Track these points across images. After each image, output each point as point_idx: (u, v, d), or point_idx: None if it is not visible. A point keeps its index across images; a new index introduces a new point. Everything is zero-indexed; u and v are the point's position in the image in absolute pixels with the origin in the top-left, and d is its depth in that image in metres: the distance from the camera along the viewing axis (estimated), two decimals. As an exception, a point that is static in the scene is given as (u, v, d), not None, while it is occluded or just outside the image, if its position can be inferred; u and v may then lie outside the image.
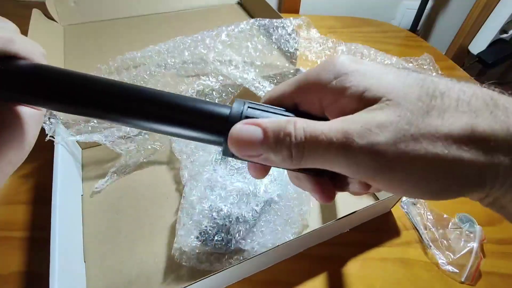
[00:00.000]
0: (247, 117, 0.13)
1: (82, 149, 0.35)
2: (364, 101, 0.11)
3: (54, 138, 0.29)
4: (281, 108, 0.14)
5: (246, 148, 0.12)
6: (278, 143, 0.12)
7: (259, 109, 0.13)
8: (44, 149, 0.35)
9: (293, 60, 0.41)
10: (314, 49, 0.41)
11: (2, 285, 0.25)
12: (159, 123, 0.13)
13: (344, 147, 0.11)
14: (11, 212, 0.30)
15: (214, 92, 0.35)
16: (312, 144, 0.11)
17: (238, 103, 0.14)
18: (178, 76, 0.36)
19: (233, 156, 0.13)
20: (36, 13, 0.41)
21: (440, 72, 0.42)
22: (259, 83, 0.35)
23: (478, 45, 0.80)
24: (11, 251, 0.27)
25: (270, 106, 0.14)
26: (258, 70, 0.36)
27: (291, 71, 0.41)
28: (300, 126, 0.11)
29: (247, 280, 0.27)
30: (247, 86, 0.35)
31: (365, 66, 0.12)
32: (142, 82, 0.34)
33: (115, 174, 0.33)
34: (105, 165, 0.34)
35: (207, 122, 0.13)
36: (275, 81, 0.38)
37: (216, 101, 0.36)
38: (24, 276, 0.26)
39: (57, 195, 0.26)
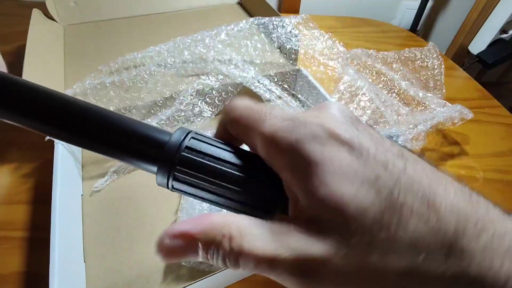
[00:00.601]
0: (187, 148, 0.12)
1: (82, 148, 0.35)
2: (312, 206, 0.10)
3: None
4: (227, 147, 0.12)
5: (174, 258, 0.11)
6: (210, 254, 0.11)
7: (204, 142, 0.12)
8: (44, 149, 0.35)
9: (294, 59, 0.41)
10: (316, 47, 0.41)
11: (2, 285, 0.25)
12: (91, 141, 0.12)
13: (273, 269, 0.10)
14: (11, 212, 0.30)
15: (214, 91, 0.36)
16: (244, 259, 0.10)
17: (181, 131, 0.12)
18: (178, 76, 0.36)
19: (168, 187, 0.13)
20: (36, 13, 0.41)
21: (443, 65, 0.42)
22: (258, 82, 0.35)
23: (478, 45, 0.80)
24: (11, 251, 0.27)
25: (217, 140, 0.13)
26: (257, 69, 0.36)
27: (292, 70, 0.41)
28: (235, 235, 0.10)
29: (247, 280, 0.27)
30: (247, 85, 0.35)
31: (342, 156, 0.10)
32: (142, 82, 0.34)
33: (115, 174, 0.33)
34: (105, 164, 0.34)
35: (141, 146, 0.12)
36: (275, 79, 0.38)
37: (216, 100, 0.36)
38: (24, 276, 0.26)
39: (57, 194, 0.26)
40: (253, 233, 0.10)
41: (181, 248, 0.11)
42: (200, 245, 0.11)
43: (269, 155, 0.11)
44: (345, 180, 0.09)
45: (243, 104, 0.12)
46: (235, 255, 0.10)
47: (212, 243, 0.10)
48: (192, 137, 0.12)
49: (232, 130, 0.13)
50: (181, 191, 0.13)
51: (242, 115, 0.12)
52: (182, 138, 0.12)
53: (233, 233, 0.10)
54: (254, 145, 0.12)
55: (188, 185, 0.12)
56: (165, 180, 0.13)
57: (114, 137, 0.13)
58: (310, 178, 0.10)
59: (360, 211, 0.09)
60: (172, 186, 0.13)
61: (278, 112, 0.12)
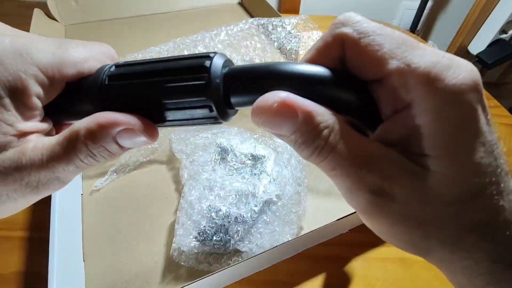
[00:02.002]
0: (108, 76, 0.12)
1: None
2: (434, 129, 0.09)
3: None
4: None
5: (272, 126, 0.11)
6: (304, 136, 0.10)
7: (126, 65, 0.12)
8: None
9: (294, 59, 0.41)
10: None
11: (2, 284, 0.25)
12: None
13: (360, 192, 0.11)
14: (11, 212, 0.30)
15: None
16: (338, 159, 0.10)
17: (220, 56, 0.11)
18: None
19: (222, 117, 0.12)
20: (37, 13, 0.42)
21: None
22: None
23: (477, 45, 0.80)
24: (11, 250, 0.27)
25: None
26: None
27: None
28: (336, 131, 0.10)
29: (246, 280, 0.27)
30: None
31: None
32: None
33: (115, 173, 0.33)
34: (105, 164, 0.34)
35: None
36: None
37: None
38: (24, 276, 0.26)
39: (57, 194, 0.26)
40: (359, 139, 0.10)
41: (283, 116, 0.10)
42: (301, 119, 0.10)
43: (417, 90, 0.09)
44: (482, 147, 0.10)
45: (373, 24, 0.11)
46: (330, 148, 0.10)
47: (312, 129, 0.10)
48: (115, 66, 0.12)
49: (350, 49, 0.11)
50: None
51: (375, 33, 0.10)
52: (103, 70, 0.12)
53: (335, 127, 0.10)
54: (380, 74, 0.10)
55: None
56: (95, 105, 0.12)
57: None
58: (465, 144, 0.09)
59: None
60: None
61: (422, 44, 0.10)
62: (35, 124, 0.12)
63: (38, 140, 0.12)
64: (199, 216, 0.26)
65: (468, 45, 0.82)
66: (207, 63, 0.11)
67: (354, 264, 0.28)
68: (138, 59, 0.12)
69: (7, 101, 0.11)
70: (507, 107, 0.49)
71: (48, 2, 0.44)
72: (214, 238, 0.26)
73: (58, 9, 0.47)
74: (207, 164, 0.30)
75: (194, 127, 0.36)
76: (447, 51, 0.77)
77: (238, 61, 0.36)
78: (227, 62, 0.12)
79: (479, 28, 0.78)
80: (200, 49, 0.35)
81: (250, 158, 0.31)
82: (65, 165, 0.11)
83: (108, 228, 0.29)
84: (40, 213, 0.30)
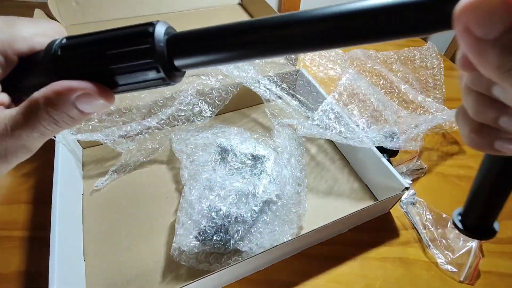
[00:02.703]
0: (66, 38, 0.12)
1: (83, 148, 0.35)
2: None
3: (54, 137, 0.29)
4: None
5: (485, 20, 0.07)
6: None
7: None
8: (44, 148, 0.35)
9: (294, 59, 0.41)
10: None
11: (3, 284, 0.25)
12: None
13: None
14: (11, 212, 0.30)
15: (214, 91, 0.36)
16: None
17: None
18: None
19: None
20: (38, 13, 0.42)
21: (442, 64, 0.42)
22: (258, 81, 0.35)
23: (477, 45, 0.79)
24: (12, 250, 0.27)
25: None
26: (258, 69, 0.36)
27: (292, 70, 0.41)
28: None
29: (245, 280, 0.27)
30: (246, 84, 0.35)
31: None
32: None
33: (115, 173, 0.33)
34: (105, 164, 0.34)
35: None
36: (275, 80, 0.38)
37: (216, 100, 0.36)
38: (25, 275, 0.26)
39: (58, 194, 0.26)
40: None
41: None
42: None
43: None
44: None
45: None
46: None
47: None
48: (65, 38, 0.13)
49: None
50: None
51: None
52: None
53: None
54: None
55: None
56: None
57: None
58: None
59: None
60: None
61: None
62: None
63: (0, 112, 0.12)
64: (199, 216, 0.26)
65: (467, 46, 0.82)
66: (151, 29, 0.12)
67: (354, 264, 0.29)
68: (89, 32, 0.13)
69: None
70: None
71: (48, 2, 0.44)
72: (214, 237, 0.26)
73: (58, 9, 0.47)
74: (207, 164, 0.30)
75: (193, 127, 0.36)
76: (446, 51, 0.77)
77: (238, 61, 0.36)
78: (169, 29, 0.13)
79: (479, 29, 0.78)
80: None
81: (250, 158, 0.31)
82: (29, 132, 0.12)
83: (108, 228, 0.29)
84: (41, 213, 0.30)
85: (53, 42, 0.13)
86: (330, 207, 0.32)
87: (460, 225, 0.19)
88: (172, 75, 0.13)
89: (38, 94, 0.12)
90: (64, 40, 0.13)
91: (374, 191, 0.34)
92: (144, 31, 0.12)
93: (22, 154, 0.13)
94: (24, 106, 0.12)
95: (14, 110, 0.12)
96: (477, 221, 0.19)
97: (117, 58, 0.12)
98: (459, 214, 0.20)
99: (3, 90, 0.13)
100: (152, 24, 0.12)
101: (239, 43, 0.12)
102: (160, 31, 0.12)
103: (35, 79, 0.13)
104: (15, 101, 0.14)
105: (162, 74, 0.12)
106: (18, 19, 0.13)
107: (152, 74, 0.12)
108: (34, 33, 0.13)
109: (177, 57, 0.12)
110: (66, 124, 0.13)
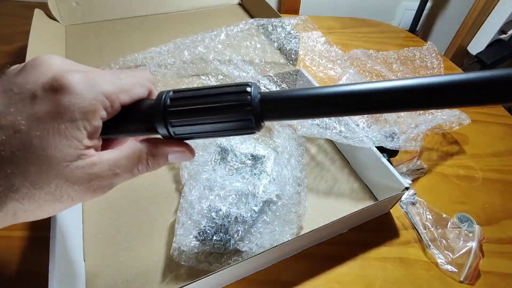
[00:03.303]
0: (171, 99, 0.15)
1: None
2: None
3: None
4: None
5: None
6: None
7: (182, 91, 0.16)
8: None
9: (294, 60, 0.41)
10: (316, 48, 0.41)
11: (3, 284, 0.25)
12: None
13: None
14: (11, 211, 0.30)
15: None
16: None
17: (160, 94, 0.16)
18: (178, 76, 0.36)
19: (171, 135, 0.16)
20: (38, 13, 0.42)
21: (442, 64, 0.42)
22: (258, 81, 0.35)
23: (477, 45, 0.80)
24: (11, 250, 0.27)
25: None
26: (258, 69, 0.36)
27: (292, 70, 0.41)
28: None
29: (246, 280, 0.27)
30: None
31: None
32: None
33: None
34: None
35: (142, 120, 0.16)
36: (275, 79, 0.38)
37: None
38: (24, 276, 0.26)
39: (57, 194, 0.26)
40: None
41: None
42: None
43: None
44: None
45: None
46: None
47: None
48: (173, 91, 0.15)
49: None
50: (183, 134, 0.16)
51: None
52: (163, 97, 0.15)
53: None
54: None
55: (184, 125, 0.15)
56: (166, 131, 0.15)
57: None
58: None
59: None
60: (174, 133, 0.15)
61: None
62: (96, 140, 0.15)
63: (100, 153, 0.15)
64: (199, 216, 0.26)
65: (467, 46, 0.83)
66: (249, 89, 0.15)
67: (354, 264, 0.28)
68: (190, 87, 0.16)
69: (80, 123, 0.13)
70: (506, 107, 0.49)
71: (48, 2, 0.44)
72: (214, 237, 0.26)
73: (58, 9, 0.47)
74: (207, 164, 0.30)
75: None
76: (446, 51, 0.78)
77: (238, 61, 0.36)
78: (258, 88, 0.16)
79: (479, 29, 0.79)
80: (201, 50, 0.35)
81: (250, 158, 0.31)
82: (127, 174, 0.15)
83: (108, 228, 0.29)
84: (40, 213, 0.30)
85: (161, 94, 0.15)
86: (330, 207, 0.32)
87: None
88: (259, 126, 0.15)
89: (143, 144, 0.16)
90: (171, 93, 0.15)
91: (374, 191, 0.34)
92: (243, 90, 0.14)
93: (106, 189, 0.15)
94: (128, 152, 0.15)
95: (116, 154, 0.15)
96: None
97: (219, 110, 0.15)
98: None
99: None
100: (248, 85, 0.15)
101: (319, 111, 0.15)
102: (255, 90, 0.15)
103: (137, 125, 0.16)
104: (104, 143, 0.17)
105: (253, 125, 0.15)
106: (122, 72, 0.16)
107: (244, 124, 0.15)
108: (133, 84, 0.15)
109: (267, 113, 0.15)
110: (152, 169, 0.16)
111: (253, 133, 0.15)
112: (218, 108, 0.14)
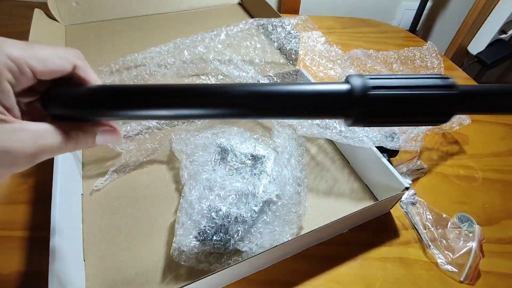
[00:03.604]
0: (373, 87, 0.14)
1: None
2: None
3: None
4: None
5: None
6: None
7: (381, 78, 0.15)
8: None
9: (294, 59, 0.41)
10: (316, 48, 0.41)
11: (2, 284, 0.25)
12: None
13: None
14: (11, 212, 0.30)
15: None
16: None
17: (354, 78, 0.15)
18: (178, 76, 0.36)
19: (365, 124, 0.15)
20: (38, 13, 0.42)
21: (442, 64, 0.42)
22: (258, 81, 0.35)
23: (477, 45, 0.80)
24: (11, 250, 0.27)
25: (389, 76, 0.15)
26: (258, 69, 0.36)
27: (292, 70, 0.41)
28: None
29: (246, 280, 0.27)
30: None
31: None
32: (142, 82, 0.35)
33: (115, 173, 0.33)
34: (105, 164, 0.34)
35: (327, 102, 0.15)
36: (275, 79, 0.38)
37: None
38: (24, 276, 0.26)
39: (57, 194, 0.26)
40: None
41: None
42: None
43: None
44: None
45: None
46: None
47: None
48: (370, 78, 0.14)
49: None
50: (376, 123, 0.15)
51: None
52: (361, 83, 0.14)
53: None
54: None
55: (381, 117, 0.14)
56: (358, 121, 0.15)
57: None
58: None
59: None
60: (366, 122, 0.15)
61: None
62: (12, 106, 0.14)
63: (24, 122, 0.14)
64: (199, 216, 0.26)
65: (467, 45, 0.83)
66: (449, 82, 0.15)
67: (354, 264, 0.28)
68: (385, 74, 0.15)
69: None
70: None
71: (48, 2, 0.44)
72: (214, 238, 0.26)
73: (58, 9, 0.47)
74: (207, 164, 0.30)
75: (193, 127, 0.36)
76: (446, 51, 0.78)
77: (238, 61, 0.36)
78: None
79: (479, 28, 0.79)
80: (201, 50, 0.35)
81: (250, 158, 0.31)
82: (53, 148, 0.15)
83: (108, 228, 0.29)
84: (40, 213, 0.30)
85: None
86: (330, 207, 0.32)
87: None
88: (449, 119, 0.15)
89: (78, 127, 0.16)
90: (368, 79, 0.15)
91: (374, 191, 0.34)
92: (446, 84, 0.14)
93: (26, 165, 0.14)
94: (56, 125, 0.15)
95: (42, 125, 0.14)
96: None
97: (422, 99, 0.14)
98: None
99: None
100: (448, 78, 0.14)
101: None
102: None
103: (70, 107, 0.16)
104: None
105: (446, 117, 0.15)
106: (38, 44, 0.15)
107: (437, 118, 0.15)
108: (49, 55, 0.15)
109: (463, 110, 0.15)
110: (80, 147, 0.16)
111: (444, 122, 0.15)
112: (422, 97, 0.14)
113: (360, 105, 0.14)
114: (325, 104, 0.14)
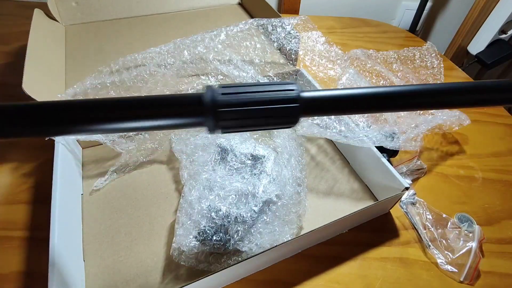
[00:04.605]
0: (222, 94, 0.15)
1: (82, 148, 0.35)
2: None
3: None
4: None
5: None
6: None
7: (231, 87, 0.16)
8: (44, 148, 0.35)
9: (294, 59, 0.41)
10: (315, 48, 0.41)
11: (2, 284, 0.25)
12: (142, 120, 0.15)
13: None
14: (11, 212, 0.30)
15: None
16: None
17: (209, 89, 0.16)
18: (178, 76, 0.36)
19: (222, 131, 0.16)
20: (37, 13, 0.42)
21: (442, 64, 0.42)
22: (258, 81, 0.35)
23: (477, 45, 0.80)
24: (11, 250, 0.27)
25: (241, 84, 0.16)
26: (257, 69, 0.36)
27: (291, 70, 0.41)
28: None
29: (246, 280, 0.27)
30: (246, 86, 0.35)
31: None
32: (142, 82, 0.35)
33: (115, 173, 0.33)
34: (105, 164, 0.34)
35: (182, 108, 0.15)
36: (275, 79, 0.38)
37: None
38: (24, 276, 0.26)
39: (57, 194, 0.26)
40: None
41: None
42: None
43: None
44: None
45: None
46: None
47: None
48: (222, 86, 0.15)
49: None
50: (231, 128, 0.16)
51: None
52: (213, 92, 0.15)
53: None
54: None
55: (235, 120, 0.15)
56: (214, 127, 0.15)
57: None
58: None
59: None
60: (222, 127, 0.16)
61: None
62: None
63: None
64: (199, 216, 0.26)
65: (467, 46, 0.82)
66: (292, 87, 0.16)
67: (354, 264, 0.28)
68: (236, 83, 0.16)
69: None
70: (506, 107, 0.49)
71: (48, 2, 0.44)
72: (214, 238, 0.26)
73: (58, 9, 0.47)
74: (207, 164, 0.30)
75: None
76: (446, 51, 0.78)
77: (238, 61, 0.36)
78: (300, 87, 0.17)
79: (479, 29, 0.79)
80: (201, 50, 0.35)
81: (250, 158, 0.31)
82: None
83: (108, 228, 0.29)
84: (40, 213, 0.30)
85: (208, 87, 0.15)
86: (330, 207, 0.32)
87: None
88: (298, 122, 0.16)
89: None
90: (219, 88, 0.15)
91: (374, 191, 0.34)
92: (289, 88, 0.16)
93: None
94: None
95: None
96: None
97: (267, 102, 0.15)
98: None
99: None
100: (293, 83, 0.16)
101: (353, 109, 0.17)
102: (298, 89, 0.16)
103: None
104: None
105: (296, 119, 0.16)
106: None
107: (286, 120, 0.16)
108: None
109: (307, 111, 0.16)
110: None
111: (291, 127, 0.17)
112: (267, 101, 0.15)
113: (211, 113, 0.15)
114: (178, 112, 0.15)
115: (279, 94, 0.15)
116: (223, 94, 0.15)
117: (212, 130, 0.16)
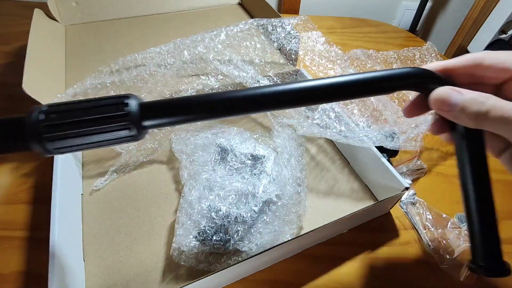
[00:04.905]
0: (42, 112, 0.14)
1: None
2: None
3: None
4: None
5: (445, 106, 0.17)
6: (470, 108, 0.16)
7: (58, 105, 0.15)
8: (44, 149, 0.35)
9: (294, 60, 0.41)
10: (315, 48, 0.41)
11: (2, 284, 0.25)
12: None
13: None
14: (11, 212, 0.30)
15: (214, 91, 0.36)
16: (496, 116, 0.15)
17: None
18: (178, 76, 0.36)
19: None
20: (37, 13, 0.42)
21: None
22: (258, 81, 0.35)
23: (477, 45, 0.80)
24: (11, 250, 0.27)
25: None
26: (257, 69, 0.36)
27: (291, 70, 0.41)
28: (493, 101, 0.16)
29: (246, 280, 0.27)
30: (246, 84, 0.35)
31: None
32: (142, 82, 0.35)
33: (115, 173, 0.33)
34: (105, 164, 0.34)
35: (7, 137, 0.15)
36: (275, 79, 0.38)
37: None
38: (24, 276, 0.26)
39: (57, 194, 0.26)
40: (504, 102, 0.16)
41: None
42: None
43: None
44: None
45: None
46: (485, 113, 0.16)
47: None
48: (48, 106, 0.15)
49: (474, 72, 0.17)
50: (61, 148, 0.15)
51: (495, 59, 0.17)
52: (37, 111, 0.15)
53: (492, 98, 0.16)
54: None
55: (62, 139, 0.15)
56: (41, 147, 0.15)
57: None
58: None
59: None
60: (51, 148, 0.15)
61: None
62: None
63: None
64: (199, 216, 0.26)
65: (467, 46, 0.82)
66: (126, 100, 0.15)
67: (354, 264, 0.28)
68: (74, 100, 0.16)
69: None
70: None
71: (48, 2, 0.44)
72: (214, 238, 0.26)
73: (58, 9, 0.47)
74: (207, 164, 0.30)
75: (193, 127, 0.36)
76: (446, 51, 0.77)
77: (238, 61, 0.36)
78: (139, 99, 0.16)
79: (479, 29, 0.79)
80: (201, 50, 0.35)
81: (250, 158, 0.31)
82: None
83: (108, 228, 0.29)
84: (40, 213, 0.30)
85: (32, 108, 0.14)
86: (330, 207, 0.32)
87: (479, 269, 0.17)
88: (140, 133, 0.16)
89: None
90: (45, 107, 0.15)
91: (374, 191, 0.34)
92: (121, 102, 0.15)
93: None
94: None
95: None
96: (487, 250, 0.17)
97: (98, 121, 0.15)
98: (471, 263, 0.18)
99: None
100: (127, 97, 0.15)
101: (193, 116, 0.17)
102: (134, 101, 0.16)
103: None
104: None
105: (134, 132, 0.16)
106: None
107: (125, 132, 0.15)
108: None
109: (147, 119, 0.16)
110: None
111: (135, 140, 0.16)
112: (98, 119, 0.15)
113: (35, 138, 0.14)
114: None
115: (106, 109, 0.15)
116: (48, 114, 0.14)
117: (44, 154, 0.15)
